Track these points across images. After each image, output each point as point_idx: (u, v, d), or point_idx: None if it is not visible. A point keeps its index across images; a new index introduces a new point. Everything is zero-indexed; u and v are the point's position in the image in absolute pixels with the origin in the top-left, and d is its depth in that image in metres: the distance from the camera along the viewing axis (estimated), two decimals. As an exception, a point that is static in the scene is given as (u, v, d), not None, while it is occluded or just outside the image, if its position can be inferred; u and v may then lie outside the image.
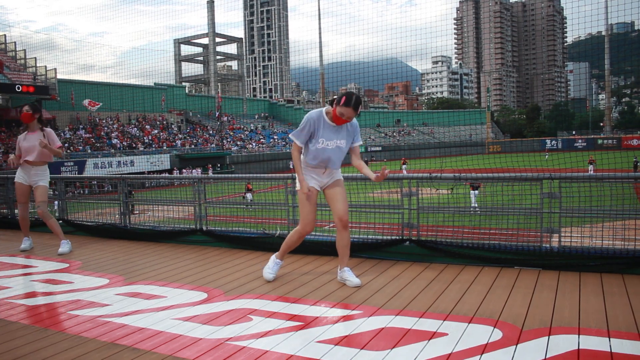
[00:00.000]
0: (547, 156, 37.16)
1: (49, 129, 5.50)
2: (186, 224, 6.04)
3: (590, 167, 28.13)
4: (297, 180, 3.90)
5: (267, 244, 5.01)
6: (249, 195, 11.18)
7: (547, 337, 2.71)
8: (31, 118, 5.32)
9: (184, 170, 37.35)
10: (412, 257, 4.47)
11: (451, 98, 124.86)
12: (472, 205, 10.81)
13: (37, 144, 5.26)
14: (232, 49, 75.68)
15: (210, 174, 35.80)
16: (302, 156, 3.89)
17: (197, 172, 34.48)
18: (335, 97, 3.76)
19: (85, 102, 39.04)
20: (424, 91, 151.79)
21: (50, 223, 5.46)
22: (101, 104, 40.33)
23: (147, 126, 45.91)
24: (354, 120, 3.83)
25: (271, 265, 4.12)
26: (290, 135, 3.87)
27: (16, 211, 7.49)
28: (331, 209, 3.96)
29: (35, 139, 5.31)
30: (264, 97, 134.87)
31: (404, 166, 34.60)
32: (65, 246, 5.41)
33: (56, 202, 7.06)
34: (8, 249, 5.80)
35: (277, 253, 4.16)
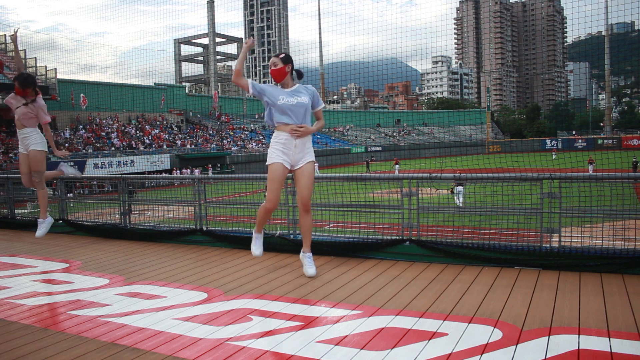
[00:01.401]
0: (554, 156, 37.40)
1: (41, 101, 5.31)
2: (186, 224, 6.04)
3: (590, 167, 28.29)
4: (269, 154, 4.02)
5: (267, 244, 5.00)
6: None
7: (547, 337, 2.71)
8: (22, 93, 5.19)
9: (183, 170, 37.35)
10: (412, 257, 4.47)
11: (451, 98, 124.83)
12: (457, 203, 10.75)
13: (28, 114, 5.18)
14: (232, 49, 75.75)
15: (210, 174, 35.81)
16: (272, 136, 4.06)
17: (198, 172, 34.48)
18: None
19: (80, 100, 39.02)
20: (424, 91, 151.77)
21: (39, 194, 5.31)
22: (87, 103, 40.25)
23: (147, 126, 45.91)
24: (311, 86, 4.13)
25: (254, 241, 4.27)
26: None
27: (18, 211, 7.50)
28: (297, 191, 4.08)
29: (27, 108, 5.19)
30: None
31: (396, 166, 34.79)
32: (43, 227, 5.29)
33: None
34: (8, 249, 5.80)
35: (255, 227, 4.30)
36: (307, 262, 4.06)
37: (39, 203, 5.40)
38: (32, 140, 5.25)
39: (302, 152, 3.99)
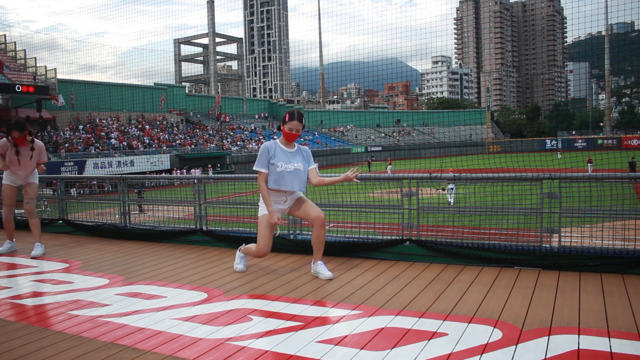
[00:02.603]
0: (560, 155, 37.54)
1: (40, 143, 5.56)
2: (186, 224, 6.04)
3: (589, 166, 28.52)
4: (260, 206, 4.17)
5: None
6: None
7: (547, 337, 2.71)
8: (24, 140, 5.31)
9: (183, 170, 37.34)
10: (412, 257, 4.47)
11: (451, 98, 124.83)
12: (449, 200, 10.75)
13: (30, 160, 5.38)
14: (232, 49, 75.75)
15: (210, 174, 35.79)
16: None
17: (199, 172, 34.46)
18: (280, 121, 4.12)
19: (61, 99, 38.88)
20: (424, 91, 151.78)
21: (33, 222, 5.47)
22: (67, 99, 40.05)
23: (146, 126, 45.91)
24: (307, 147, 4.25)
25: (239, 260, 4.46)
26: (254, 168, 4.11)
27: (17, 211, 7.49)
28: (307, 218, 4.16)
29: (28, 153, 5.36)
30: (264, 97, 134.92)
31: (389, 166, 34.86)
32: (39, 249, 5.37)
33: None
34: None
35: (241, 248, 4.50)
36: (322, 268, 4.08)
37: (33, 231, 5.50)
38: (33, 176, 5.58)
39: (292, 201, 4.20)
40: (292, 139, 4.10)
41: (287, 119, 4.02)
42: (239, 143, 51.56)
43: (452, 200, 10.43)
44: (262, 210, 4.14)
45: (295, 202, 4.20)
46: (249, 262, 4.66)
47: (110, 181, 8.09)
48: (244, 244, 4.55)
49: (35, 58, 37.50)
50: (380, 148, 61.95)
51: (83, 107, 41.08)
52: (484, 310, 3.16)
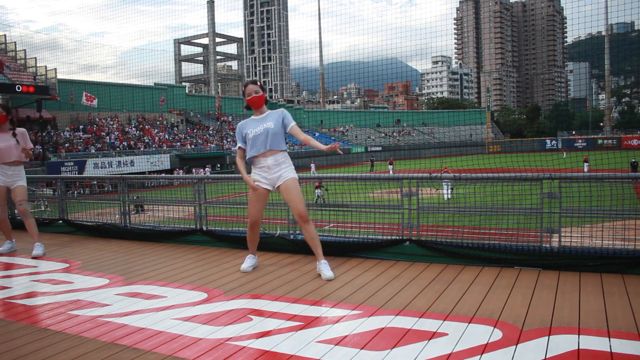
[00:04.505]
0: (564, 155, 37.65)
1: (22, 129, 5.47)
2: (186, 224, 6.04)
3: (585, 165, 29.18)
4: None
5: (267, 244, 5.01)
6: (318, 192, 11.37)
7: (547, 337, 2.71)
8: (5, 119, 5.27)
9: (181, 171, 37.33)
10: (412, 257, 4.47)
11: (451, 98, 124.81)
12: (446, 196, 10.71)
13: (12, 145, 5.27)
14: (232, 49, 75.71)
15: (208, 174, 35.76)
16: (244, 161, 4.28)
17: (203, 172, 34.45)
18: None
19: (83, 99, 38.83)
20: (424, 91, 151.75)
21: (29, 223, 5.42)
22: (96, 100, 40.10)
23: (146, 126, 45.89)
24: (281, 109, 4.28)
25: (246, 260, 4.48)
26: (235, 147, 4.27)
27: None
28: (290, 208, 4.22)
29: (8, 139, 5.29)
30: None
31: (390, 166, 34.95)
32: (39, 249, 5.35)
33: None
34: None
35: (249, 250, 4.54)
36: (324, 268, 4.06)
37: (30, 232, 5.44)
38: (20, 177, 5.46)
39: (278, 172, 4.18)
40: (256, 103, 4.17)
41: (243, 89, 4.18)
42: (239, 143, 51.44)
43: (448, 194, 10.41)
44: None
45: (284, 183, 4.15)
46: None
47: (110, 181, 8.09)
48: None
49: (35, 58, 37.51)
50: (380, 148, 61.94)
51: (83, 107, 41.03)
52: (484, 310, 3.16)
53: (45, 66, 36.61)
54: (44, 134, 34.53)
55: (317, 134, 62.21)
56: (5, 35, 39.39)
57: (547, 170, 4.98)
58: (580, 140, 60.74)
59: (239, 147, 4.27)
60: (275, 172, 4.17)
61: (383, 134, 71.42)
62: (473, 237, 4.52)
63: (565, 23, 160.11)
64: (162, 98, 50.63)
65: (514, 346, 2.61)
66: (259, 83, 4.23)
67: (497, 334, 2.77)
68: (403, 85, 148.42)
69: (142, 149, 40.18)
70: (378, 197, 5.43)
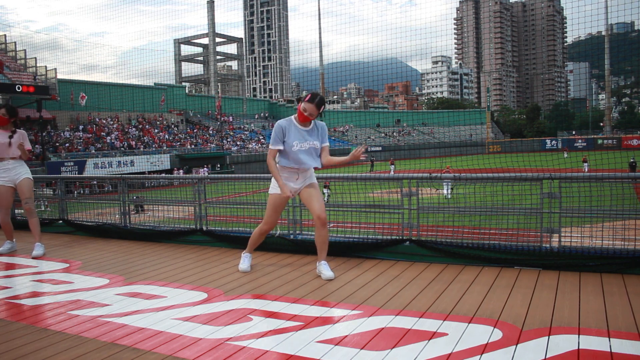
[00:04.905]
0: (566, 155, 37.70)
1: (22, 131, 5.47)
2: (186, 224, 6.04)
3: (585, 165, 29.26)
4: (272, 183, 4.16)
5: (267, 244, 5.01)
6: (326, 191, 11.37)
7: (547, 337, 2.71)
8: (7, 122, 5.28)
9: (181, 171, 37.33)
10: (412, 257, 4.47)
11: (451, 98, 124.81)
12: (446, 195, 10.70)
13: (6, 142, 5.25)
14: (232, 49, 75.70)
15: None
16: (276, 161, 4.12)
17: (204, 172, 34.45)
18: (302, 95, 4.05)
19: (79, 98, 38.90)
20: (424, 91, 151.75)
21: (33, 222, 5.42)
22: (86, 98, 40.11)
23: (146, 126, 45.90)
24: (323, 123, 4.17)
25: (243, 259, 4.46)
26: (269, 147, 4.09)
27: (17, 211, 7.49)
28: (309, 209, 4.16)
29: (4, 137, 5.27)
30: (264, 97, 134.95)
31: (391, 166, 34.99)
32: (39, 249, 5.34)
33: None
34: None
35: (246, 249, 4.51)
36: (324, 268, 4.08)
37: (33, 231, 5.44)
38: (24, 171, 5.43)
39: (304, 181, 4.16)
40: (303, 120, 4.04)
41: (306, 99, 3.95)
42: (238, 143, 51.55)
43: (448, 193, 10.40)
44: (273, 188, 4.13)
45: (307, 186, 4.15)
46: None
47: (110, 181, 8.09)
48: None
49: (35, 58, 37.51)
50: (380, 148, 61.92)
51: (83, 107, 41.04)
52: (484, 310, 3.16)
53: (45, 66, 36.63)
54: (44, 134, 34.54)
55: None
56: (5, 35, 39.41)
57: (547, 170, 4.98)
58: (580, 140, 60.73)
59: (275, 148, 4.03)
60: (306, 179, 4.17)
61: (383, 134, 71.40)
62: (473, 237, 4.52)
63: (565, 23, 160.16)
64: (162, 98, 50.62)
65: (514, 346, 2.61)
66: (322, 110, 4.01)
67: (497, 334, 2.77)
68: (403, 85, 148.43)
69: (142, 149, 40.19)
70: (378, 197, 5.43)
